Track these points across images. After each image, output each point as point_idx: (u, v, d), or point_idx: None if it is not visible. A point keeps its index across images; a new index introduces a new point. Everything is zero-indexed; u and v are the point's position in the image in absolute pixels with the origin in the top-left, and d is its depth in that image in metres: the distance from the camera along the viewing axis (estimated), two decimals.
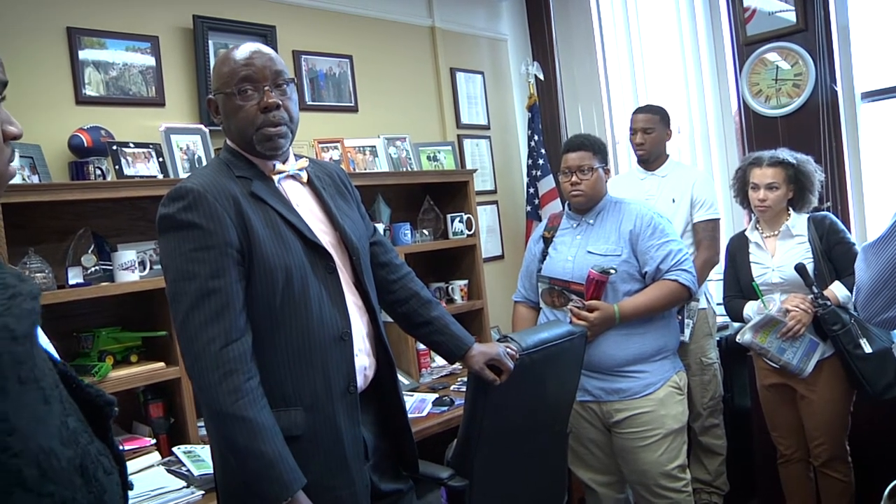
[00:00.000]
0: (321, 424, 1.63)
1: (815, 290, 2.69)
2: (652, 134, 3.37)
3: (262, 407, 1.52)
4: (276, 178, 1.70)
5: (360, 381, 1.73)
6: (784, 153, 2.87)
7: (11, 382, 0.44)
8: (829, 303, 2.68)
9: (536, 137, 4.27)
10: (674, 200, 3.29)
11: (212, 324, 1.51)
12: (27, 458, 0.43)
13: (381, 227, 3.39)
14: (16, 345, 0.45)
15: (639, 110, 3.47)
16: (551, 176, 4.18)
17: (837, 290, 2.72)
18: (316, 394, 1.63)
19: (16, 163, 2.32)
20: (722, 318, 3.46)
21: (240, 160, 1.69)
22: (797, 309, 2.71)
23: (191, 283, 1.53)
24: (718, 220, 3.35)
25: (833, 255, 2.78)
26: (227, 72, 1.66)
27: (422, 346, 3.45)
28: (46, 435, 0.46)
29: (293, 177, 1.74)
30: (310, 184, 1.78)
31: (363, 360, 1.75)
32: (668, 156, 3.46)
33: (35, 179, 2.48)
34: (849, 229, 3.15)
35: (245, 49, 1.68)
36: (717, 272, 3.48)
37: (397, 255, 2.04)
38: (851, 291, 2.70)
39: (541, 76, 4.38)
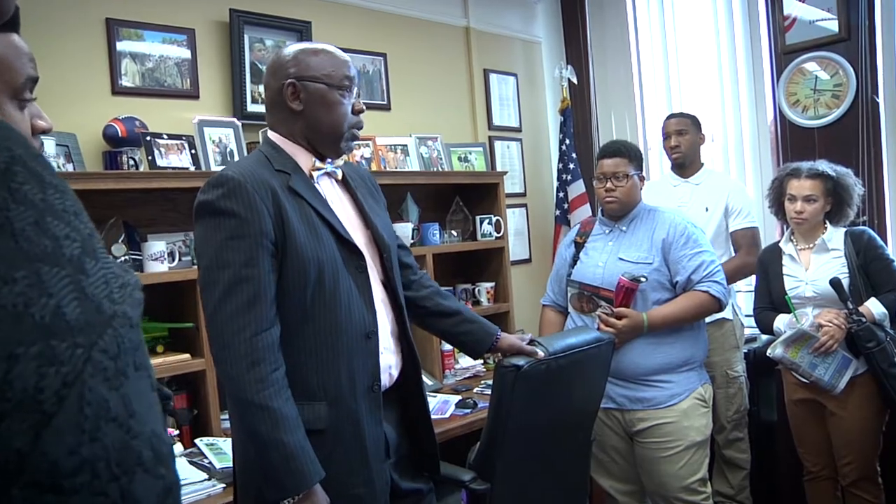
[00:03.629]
0: (344, 420, 1.63)
1: (850, 306, 2.64)
2: (686, 136, 3.35)
3: (286, 398, 1.54)
4: (315, 174, 1.71)
5: (385, 380, 1.74)
6: (823, 165, 2.81)
7: (130, 368, 0.46)
8: (864, 319, 2.62)
9: (568, 141, 4.24)
10: (707, 209, 3.25)
11: (243, 313, 1.53)
12: (144, 440, 0.45)
13: (409, 226, 3.39)
14: (133, 332, 0.47)
15: (671, 116, 3.47)
16: (581, 181, 4.15)
17: (873, 306, 2.66)
18: (340, 389, 1.63)
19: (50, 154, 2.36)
20: (750, 331, 3.42)
21: (280, 154, 1.70)
22: (831, 324, 2.65)
23: (224, 270, 1.54)
24: (756, 228, 3.31)
25: (870, 270, 2.72)
26: (332, 64, 1.70)
27: (446, 347, 3.44)
28: (155, 420, 0.48)
29: (329, 175, 1.76)
30: (344, 182, 1.80)
31: (389, 359, 1.75)
32: (703, 164, 3.43)
33: (69, 168, 2.51)
34: (886, 245, 3.08)
35: (338, 50, 1.75)
36: (747, 284, 3.44)
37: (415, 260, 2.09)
38: (888, 308, 2.66)
39: (574, 80, 4.34)
